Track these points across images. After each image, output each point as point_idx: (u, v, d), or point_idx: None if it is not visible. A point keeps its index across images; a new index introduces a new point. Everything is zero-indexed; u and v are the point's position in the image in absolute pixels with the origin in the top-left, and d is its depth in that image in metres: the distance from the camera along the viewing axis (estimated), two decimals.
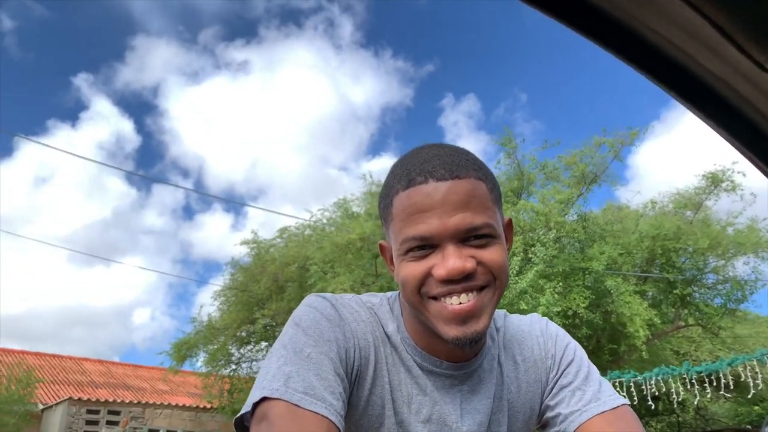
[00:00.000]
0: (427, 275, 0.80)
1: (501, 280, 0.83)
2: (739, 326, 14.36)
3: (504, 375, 0.95)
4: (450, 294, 0.80)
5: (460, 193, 0.80)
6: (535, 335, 1.00)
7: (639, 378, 9.87)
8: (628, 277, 12.71)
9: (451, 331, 0.80)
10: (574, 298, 11.37)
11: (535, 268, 11.02)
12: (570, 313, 11.35)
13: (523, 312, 10.78)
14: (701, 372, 9.40)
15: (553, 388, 0.95)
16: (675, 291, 12.56)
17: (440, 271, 0.79)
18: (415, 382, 0.88)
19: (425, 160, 0.82)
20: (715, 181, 12.60)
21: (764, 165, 0.51)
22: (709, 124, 0.52)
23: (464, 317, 0.79)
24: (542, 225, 12.12)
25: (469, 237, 0.80)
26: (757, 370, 9.50)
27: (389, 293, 0.97)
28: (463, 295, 0.79)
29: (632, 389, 10.05)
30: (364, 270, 12.37)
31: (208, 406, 15.81)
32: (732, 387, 10.00)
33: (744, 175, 12.36)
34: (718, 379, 9.42)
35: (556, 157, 13.82)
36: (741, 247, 12.12)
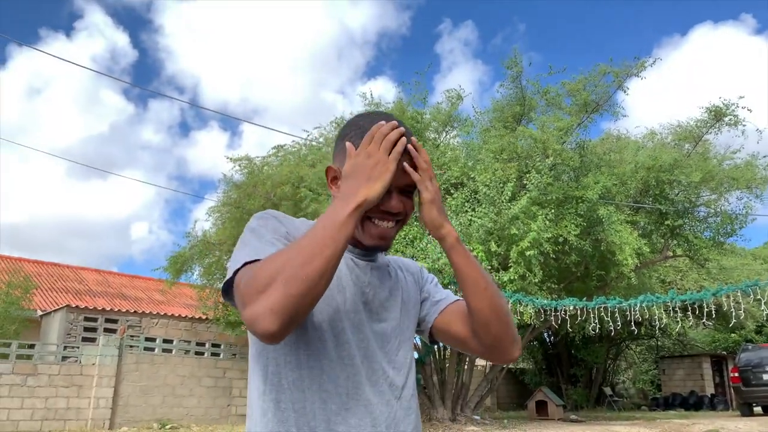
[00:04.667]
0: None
1: (406, 221, 1.19)
2: (725, 258, 14.63)
3: (396, 274, 1.31)
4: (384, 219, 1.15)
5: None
6: (410, 263, 1.40)
7: (624, 304, 10.13)
8: (620, 206, 12.79)
9: (371, 241, 1.16)
10: (566, 226, 11.45)
11: (529, 195, 11.04)
12: (561, 239, 11.48)
13: (513, 236, 10.93)
14: (685, 300, 9.65)
15: (422, 291, 1.34)
16: (666, 222, 12.68)
17: (396, 207, 1.13)
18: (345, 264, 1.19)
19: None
20: (717, 115, 12.43)
21: None
22: None
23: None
24: (539, 152, 12.03)
25: (404, 190, 1.16)
26: (740, 300, 9.76)
27: None
28: (390, 223, 1.15)
29: (616, 314, 10.35)
30: None
31: (203, 317, 16.25)
32: (714, 315, 10.30)
33: (750, 110, 12.17)
34: (701, 308, 9.68)
35: (559, 84, 13.52)
36: (735, 182, 12.13)
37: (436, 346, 14.98)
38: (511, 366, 18.91)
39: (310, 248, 0.91)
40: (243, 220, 14.22)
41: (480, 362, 17.37)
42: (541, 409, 15.20)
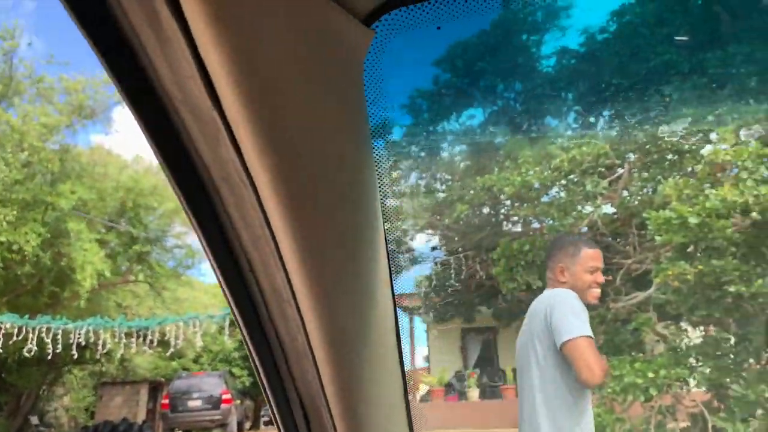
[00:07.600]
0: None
1: None
2: (181, 289, 15.70)
3: None
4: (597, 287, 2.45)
5: None
6: None
7: (70, 326, 9.59)
8: (94, 222, 12.29)
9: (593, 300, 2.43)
10: (27, 233, 10.28)
11: None
12: (16, 247, 10.19)
13: None
14: (132, 327, 9.80)
15: None
16: (135, 246, 12.82)
17: (600, 279, 2.43)
18: None
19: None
20: None
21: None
22: None
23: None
24: (15, 144, 10.59)
25: None
26: (182, 330, 10.51)
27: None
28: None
29: (59, 337, 9.67)
30: None
31: None
32: (156, 343, 10.79)
33: None
34: (146, 335, 10.00)
35: (58, 76, 12.40)
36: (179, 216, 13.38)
37: None
38: None
39: None
40: None
41: None
42: None
